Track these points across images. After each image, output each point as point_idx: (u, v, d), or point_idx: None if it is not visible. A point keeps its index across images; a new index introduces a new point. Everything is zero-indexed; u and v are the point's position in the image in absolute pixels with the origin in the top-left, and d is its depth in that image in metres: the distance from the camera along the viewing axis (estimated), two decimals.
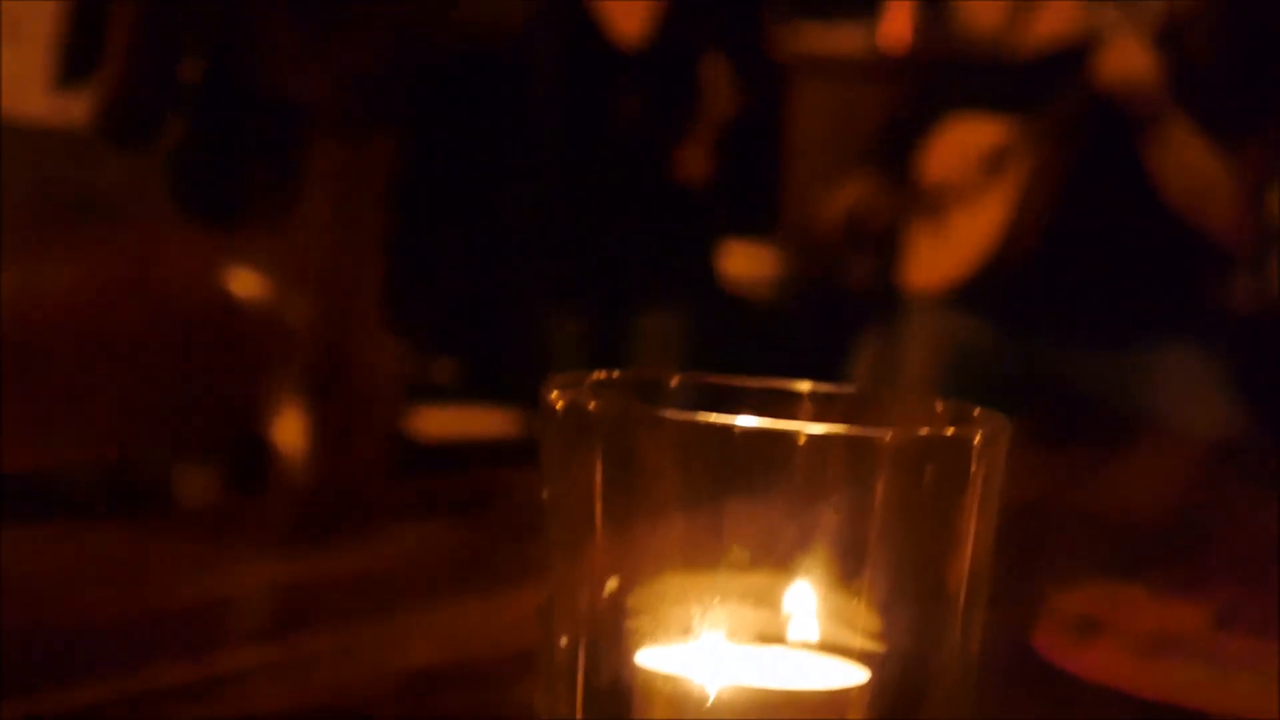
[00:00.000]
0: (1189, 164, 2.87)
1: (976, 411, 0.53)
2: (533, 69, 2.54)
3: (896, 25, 3.90)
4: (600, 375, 0.53)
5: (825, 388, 0.56)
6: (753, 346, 3.61)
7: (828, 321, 3.38)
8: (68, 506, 1.07)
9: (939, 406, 0.54)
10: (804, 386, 0.56)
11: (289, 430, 1.21)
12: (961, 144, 3.02)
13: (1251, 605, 1.05)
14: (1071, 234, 2.96)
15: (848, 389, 0.56)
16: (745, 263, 3.67)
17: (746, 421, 0.46)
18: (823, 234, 3.23)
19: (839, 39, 4.06)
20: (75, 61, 2.01)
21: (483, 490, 1.11)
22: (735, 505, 0.46)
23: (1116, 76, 2.80)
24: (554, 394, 0.49)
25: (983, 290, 2.98)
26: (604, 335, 3.28)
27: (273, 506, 1.06)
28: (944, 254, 3.06)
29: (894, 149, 3.08)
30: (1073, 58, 2.97)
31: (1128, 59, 2.80)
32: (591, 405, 0.48)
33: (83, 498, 1.14)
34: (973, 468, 0.49)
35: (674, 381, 0.55)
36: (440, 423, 2.89)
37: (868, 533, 0.47)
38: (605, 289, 3.26)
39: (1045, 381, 2.94)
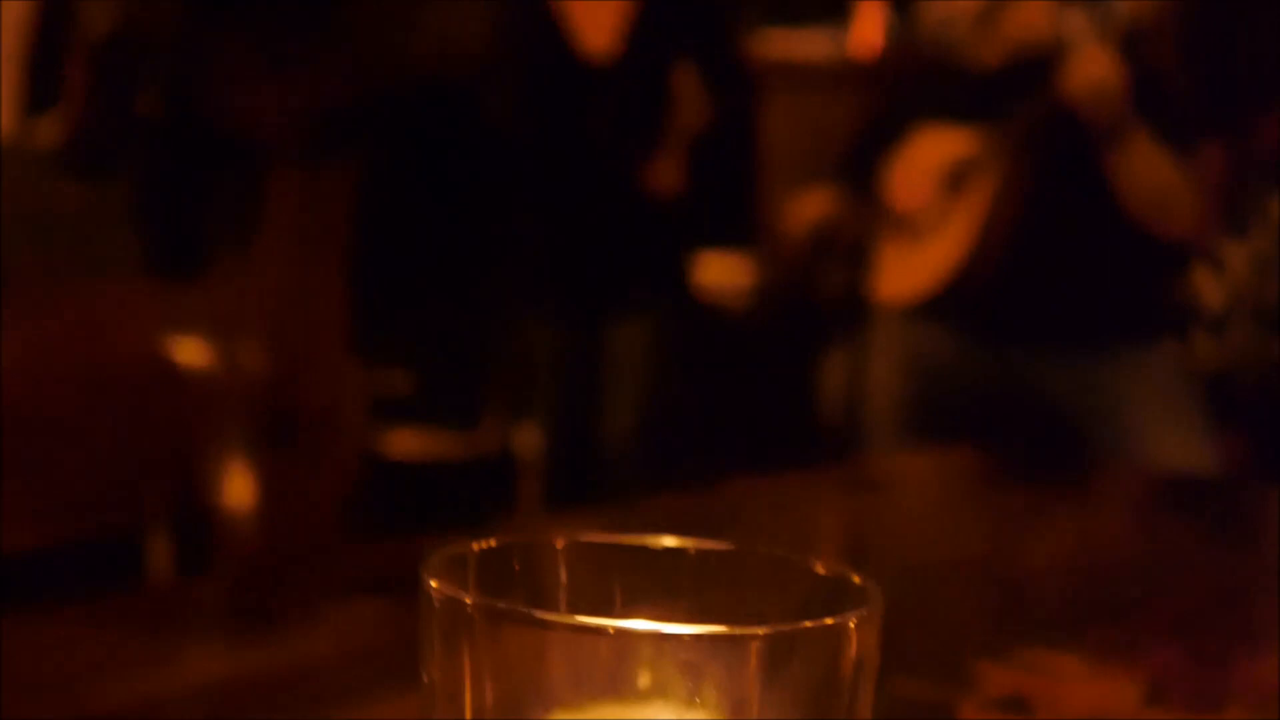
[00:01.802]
0: (1149, 174, 2.88)
1: (855, 579, 0.53)
2: (498, 85, 2.54)
3: (867, 31, 3.90)
4: (483, 545, 0.54)
5: (707, 546, 0.56)
6: (724, 357, 3.62)
7: (798, 332, 3.39)
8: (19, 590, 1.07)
9: (818, 568, 0.55)
10: (687, 545, 0.57)
11: (239, 492, 1.21)
12: (928, 155, 3.03)
13: (1186, 675, 1.06)
14: (1038, 244, 2.97)
15: (727, 548, 0.56)
16: (718, 273, 3.68)
17: (620, 624, 0.47)
18: (791, 245, 3.24)
19: (809, 45, 4.06)
20: (39, 93, 2.02)
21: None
22: (609, 703, 0.48)
23: (1081, 86, 2.81)
24: (431, 581, 0.50)
25: (950, 302, 2.99)
26: (576, 347, 3.29)
27: (216, 587, 1.06)
28: (912, 266, 3.07)
29: (861, 161, 3.09)
30: (1039, 67, 2.98)
31: (1092, 69, 2.81)
32: (467, 600, 0.49)
33: (33, 581, 1.14)
34: (849, 652, 0.50)
35: (559, 544, 0.56)
36: (405, 444, 2.90)
37: None
38: (576, 300, 3.27)
39: (1012, 393, 2.96)
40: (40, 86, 2.03)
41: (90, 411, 1.16)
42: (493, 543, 0.54)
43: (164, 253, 1.95)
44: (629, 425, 3.27)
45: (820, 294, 3.25)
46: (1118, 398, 2.89)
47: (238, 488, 1.19)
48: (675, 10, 3.27)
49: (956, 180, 2.98)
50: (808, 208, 3.17)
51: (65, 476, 1.13)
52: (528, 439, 3.53)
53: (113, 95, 1.88)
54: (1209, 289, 1.00)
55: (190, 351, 1.25)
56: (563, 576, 0.55)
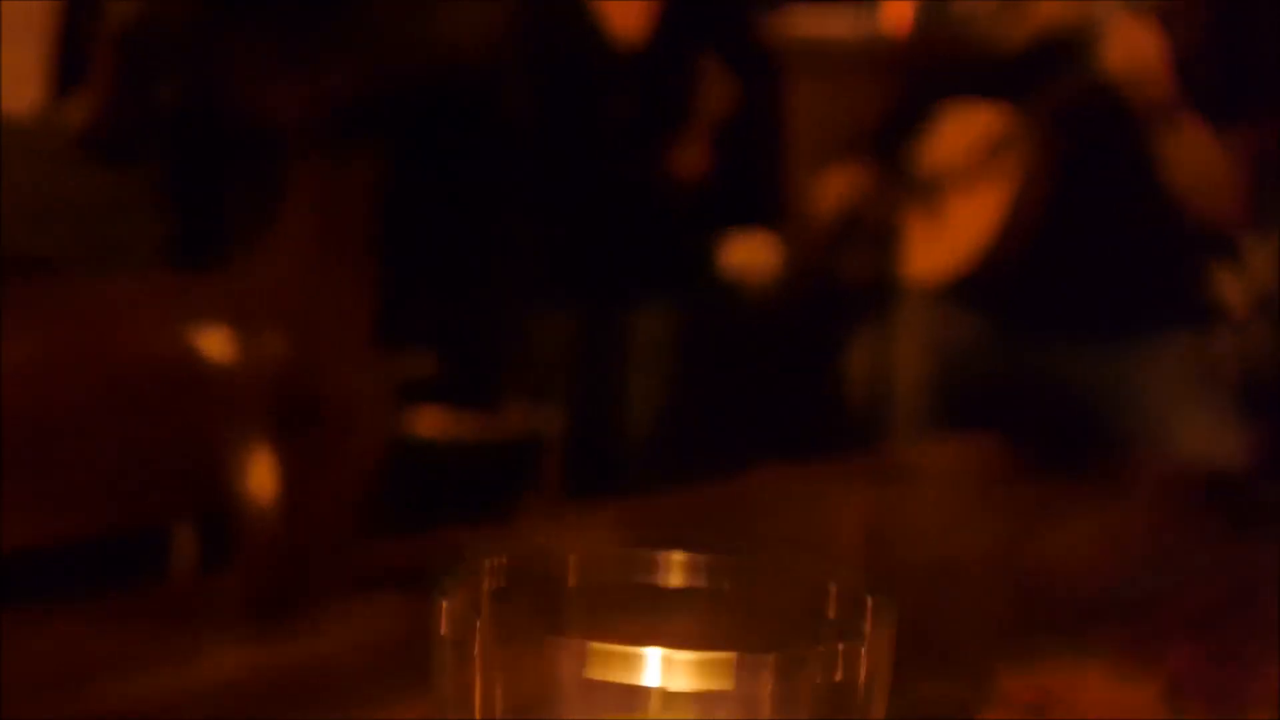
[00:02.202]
0: (1195, 154, 2.85)
1: (869, 596, 0.53)
2: (522, 71, 2.54)
3: (897, 9, 3.89)
4: (495, 561, 0.54)
5: (719, 562, 0.56)
6: (748, 341, 3.62)
7: (823, 316, 3.39)
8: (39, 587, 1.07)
9: (831, 585, 0.55)
10: (699, 560, 0.57)
11: (261, 484, 1.22)
12: (959, 133, 3.01)
13: (1205, 671, 1.06)
14: (1068, 227, 2.95)
15: (741, 562, 0.56)
16: (743, 255, 3.67)
17: (630, 650, 0.47)
18: (818, 225, 3.23)
19: (838, 23, 4.04)
20: (65, 76, 2.02)
21: (450, 553, 1.11)
22: None
23: (1124, 61, 2.77)
24: (443, 602, 0.50)
25: (976, 286, 2.98)
26: (599, 331, 3.29)
27: (236, 583, 1.07)
28: (941, 245, 3.05)
29: (890, 139, 3.08)
30: (1070, 47, 2.96)
31: (1136, 44, 2.77)
32: (478, 621, 0.49)
33: (56, 578, 1.15)
34: (861, 670, 0.50)
35: (572, 560, 0.56)
36: (427, 423, 2.91)
37: None
38: (600, 284, 3.27)
39: (1037, 379, 2.95)
40: (65, 69, 2.03)
41: (111, 405, 1.17)
42: (504, 560, 0.54)
43: (186, 240, 1.96)
44: (652, 409, 3.28)
45: (847, 276, 3.25)
46: (1142, 386, 2.88)
47: (259, 480, 1.20)
48: None
49: (989, 155, 2.96)
50: (835, 186, 3.15)
51: (86, 471, 1.13)
52: (550, 422, 3.53)
53: (137, 82, 1.89)
54: (1231, 289, 1.00)
55: (211, 343, 1.26)
56: (575, 593, 0.55)
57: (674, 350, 3.28)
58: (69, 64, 2.04)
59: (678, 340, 3.28)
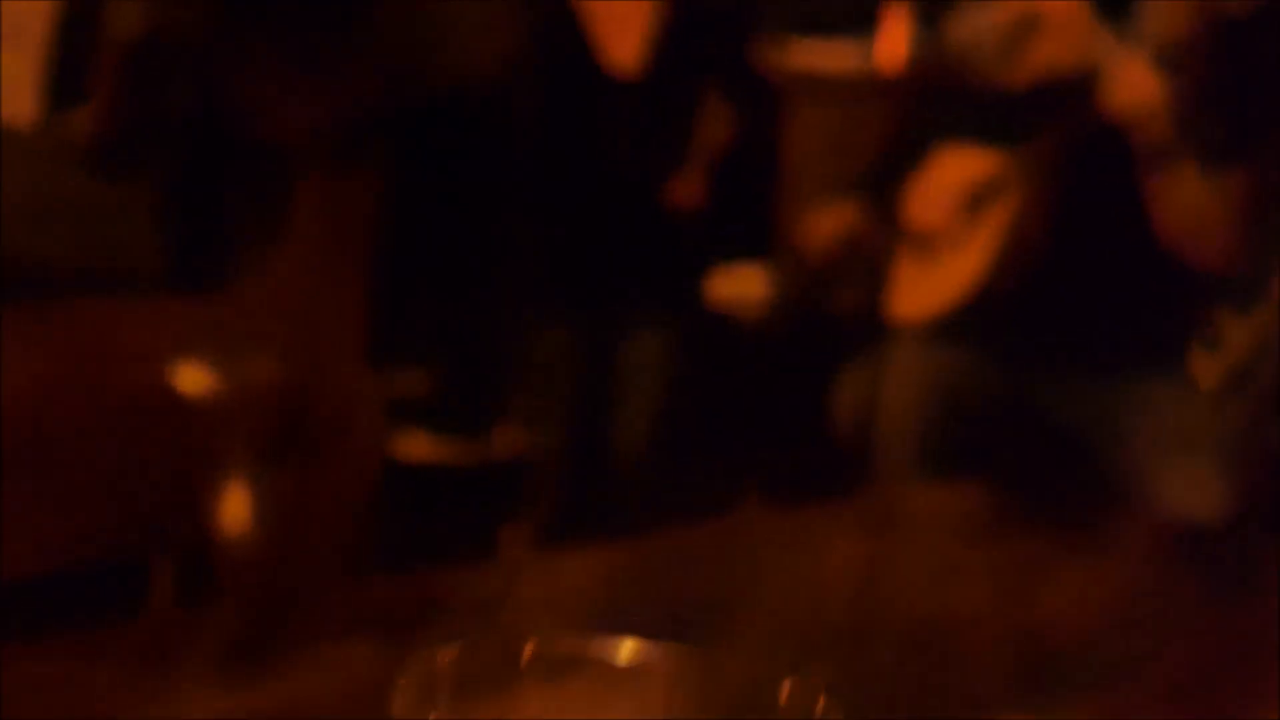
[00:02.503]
0: (1190, 199, 2.86)
1: (822, 697, 0.52)
2: (523, 96, 2.53)
3: (892, 44, 3.89)
4: (451, 655, 0.53)
5: (674, 660, 0.55)
6: (739, 372, 3.61)
7: (815, 349, 3.38)
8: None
9: (786, 686, 0.53)
10: (654, 656, 0.56)
11: (241, 517, 1.20)
12: (951, 175, 3.01)
13: None
14: (1060, 266, 2.95)
15: (695, 660, 0.55)
16: (736, 286, 3.67)
17: None
18: (812, 260, 3.23)
19: (835, 56, 4.04)
20: (64, 90, 2.01)
21: (437, 596, 1.10)
22: None
23: (1127, 103, 2.78)
24: (398, 699, 0.50)
25: (969, 324, 2.98)
26: (591, 358, 3.29)
27: (216, 620, 1.06)
28: (931, 285, 3.05)
29: (883, 178, 3.08)
30: (1068, 89, 2.96)
31: (1137, 86, 2.77)
32: (431, 716, 0.49)
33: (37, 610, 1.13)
34: None
35: (526, 654, 0.55)
36: (416, 447, 2.89)
37: None
38: (593, 311, 3.26)
39: (1028, 418, 2.94)
40: (66, 82, 2.02)
41: (93, 435, 1.16)
42: (456, 653, 0.53)
43: (186, 262, 1.95)
44: (642, 437, 3.27)
45: (839, 311, 3.24)
46: (1133, 427, 2.87)
47: (241, 513, 1.18)
48: (700, 27, 3.27)
49: (978, 201, 2.96)
50: (829, 222, 3.15)
51: (63, 501, 1.12)
52: (540, 447, 3.52)
53: (141, 97, 1.88)
54: (1204, 368, 0.99)
55: (196, 375, 1.25)
56: (529, 675, 0.54)
57: (665, 378, 3.27)
58: (68, 76, 2.03)
59: (669, 368, 3.28)
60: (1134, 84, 2.78)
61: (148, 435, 1.22)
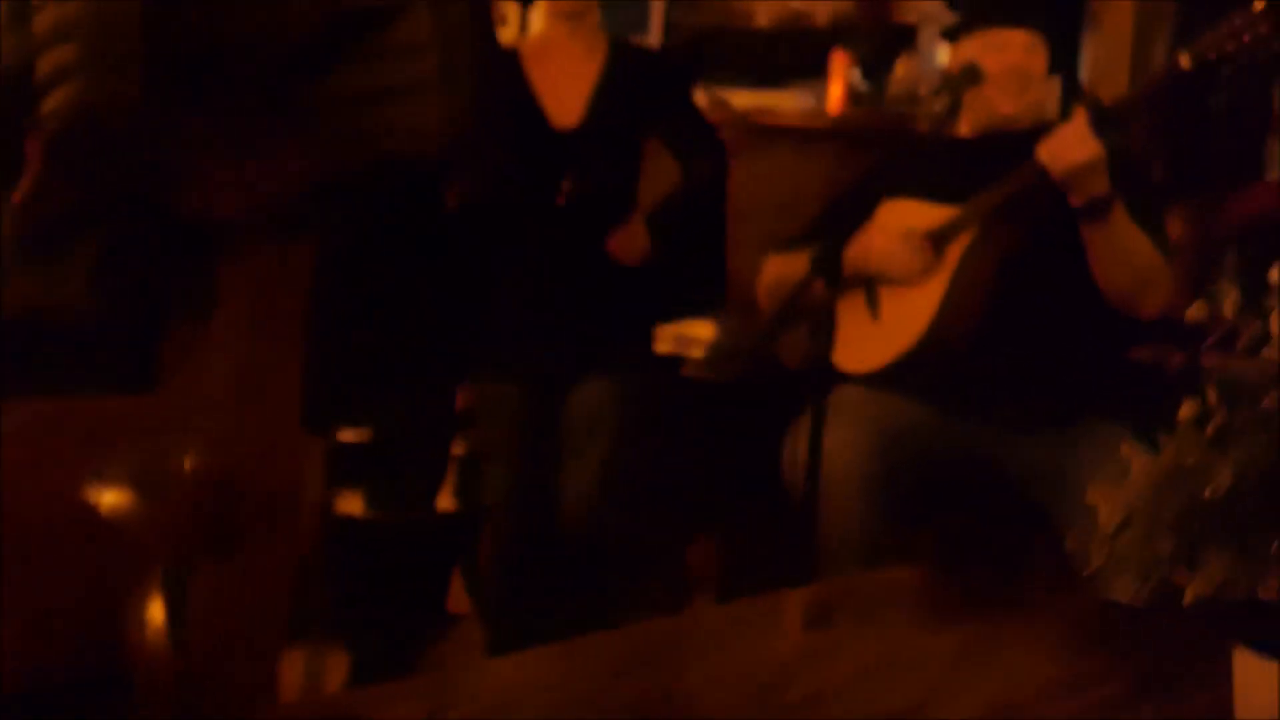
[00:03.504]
0: (1127, 253, 2.88)
1: None
2: (466, 158, 2.52)
3: (838, 93, 3.91)
4: None
5: None
6: (687, 423, 3.61)
7: (763, 399, 3.38)
8: None
9: None
10: None
11: (159, 638, 1.18)
12: (900, 225, 3.02)
13: None
14: (1007, 317, 2.96)
15: None
16: (684, 336, 3.67)
17: None
18: (760, 310, 3.23)
19: (785, 104, 4.06)
20: None
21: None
22: None
23: (1061, 163, 2.80)
24: None
25: (916, 373, 2.98)
26: (539, 411, 3.28)
27: None
28: (878, 336, 3.06)
29: (831, 229, 3.09)
30: (1010, 141, 2.98)
31: (1073, 145, 2.80)
32: None
33: None
34: None
35: None
36: (357, 503, 2.88)
37: None
38: (540, 364, 3.26)
39: (976, 467, 2.95)
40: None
41: (10, 557, 1.12)
42: None
43: (114, 356, 1.92)
44: (590, 488, 3.26)
45: (786, 361, 3.25)
46: (1080, 476, 2.88)
47: (162, 629, 1.15)
48: (638, 82, 3.28)
49: (931, 248, 2.97)
50: (775, 273, 3.16)
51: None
52: (487, 501, 3.51)
53: (72, 177, 1.86)
54: (1105, 501, 0.98)
55: (115, 488, 1.22)
56: None
57: (614, 429, 3.26)
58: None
59: (618, 419, 3.27)
60: (1071, 145, 2.80)
61: (61, 553, 1.19)
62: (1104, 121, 2.83)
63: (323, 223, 2.01)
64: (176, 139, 1.85)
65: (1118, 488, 1.09)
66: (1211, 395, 1.11)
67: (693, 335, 3.70)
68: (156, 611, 1.13)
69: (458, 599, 3.62)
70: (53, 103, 1.79)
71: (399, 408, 2.74)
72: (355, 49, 1.89)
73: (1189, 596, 1.03)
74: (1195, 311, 1.32)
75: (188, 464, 1.34)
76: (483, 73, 2.22)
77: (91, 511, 1.18)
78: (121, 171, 1.81)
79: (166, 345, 1.91)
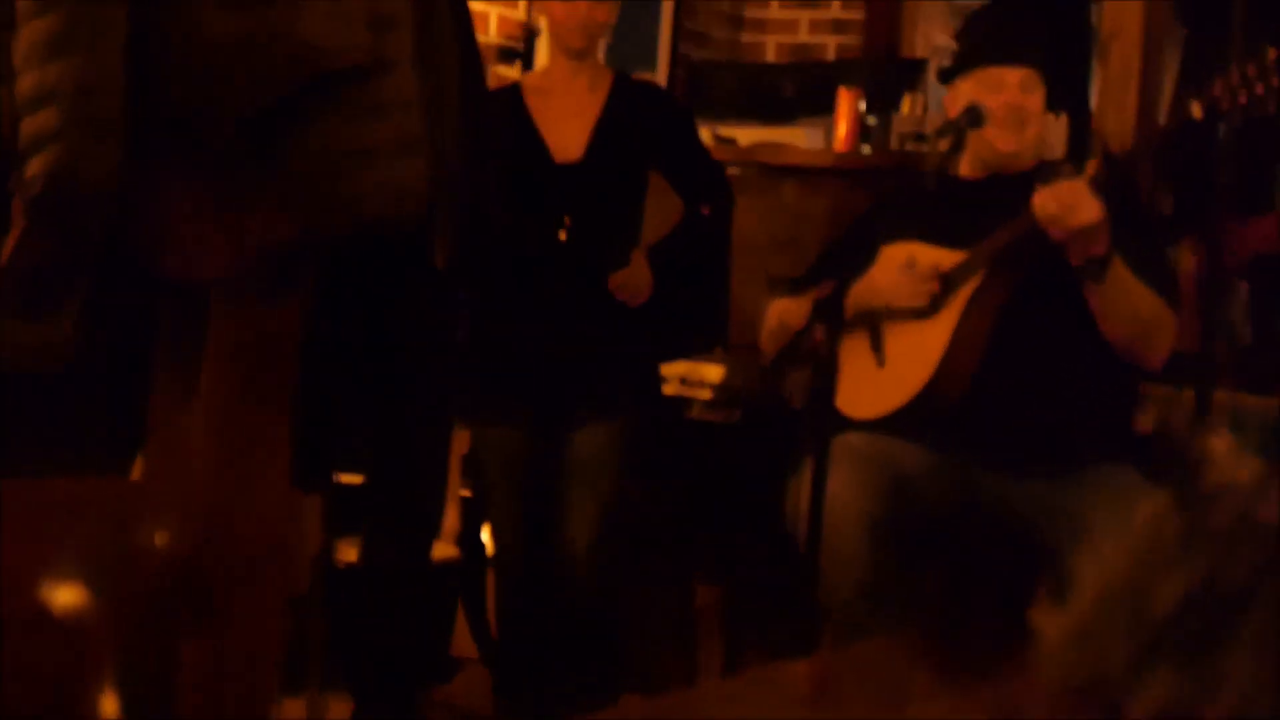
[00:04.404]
0: (1128, 305, 2.86)
1: None
2: (452, 215, 2.52)
3: (845, 132, 3.89)
4: None
5: None
6: (691, 465, 3.59)
7: (767, 441, 3.36)
8: None
9: None
10: None
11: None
12: (904, 269, 3.00)
13: None
14: (1012, 360, 2.94)
15: None
16: (690, 379, 3.66)
17: None
18: (764, 351, 3.22)
19: (795, 140, 4.04)
20: None
21: None
22: None
23: (1062, 225, 2.79)
24: None
25: (921, 417, 2.96)
26: (539, 452, 3.26)
27: None
28: (883, 381, 3.04)
29: (833, 271, 3.06)
30: (1017, 182, 2.96)
31: (1075, 208, 2.78)
32: None
33: None
34: None
35: None
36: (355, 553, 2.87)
37: None
38: (542, 405, 3.24)
39: (981, 510, 2.92)
40: None
41: None
42: None
43: (99, 425, 1.92)
44: (590, 535, 3.24)
45: (794, 403, 3.23)
46: (1087, 519, 2.85)
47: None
48: (641, 117, 3.27)
49: (935, 291, 2.95)
50: (778, 317, 3.14)
51: None
52: (487, 545, 3.50)
53: (51, 240, 1.85)
54: (1049, 623, 0.96)
55: (68, 595, 1.20)
56: None
57: (613, 473, 3.25)
58: None
59: (617, 463, 3.25)
60: (1071, 207, 2.79)
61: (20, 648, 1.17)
62: (1107, 181, 2.81)
63: (309, 280, 2.00)
64: (157, 201, 1.84)
65: (1060, 610, 1.07)
66: (1167, 502, 1.09)
67: (699, 377, 3.68)
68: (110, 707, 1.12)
69: (464, 643, 3.61)
70: (35, 167, 1.78)
71: (390, 455, 2.73)
72: (336, 109, 1.89)
73: (1134, 716, 1.00)
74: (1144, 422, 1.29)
75: (159, 542, 1.33)
76: (472, 127, 2.21)
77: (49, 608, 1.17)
78: (103, 233, 1.80)
79: (152, 407, 1.90)
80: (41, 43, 1.78)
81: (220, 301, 1.93)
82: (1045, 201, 2.79)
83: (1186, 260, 3.73)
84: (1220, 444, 1.03)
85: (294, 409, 2.00)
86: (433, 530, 3.08)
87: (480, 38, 4.04)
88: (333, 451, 2.36)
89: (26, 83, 1.80)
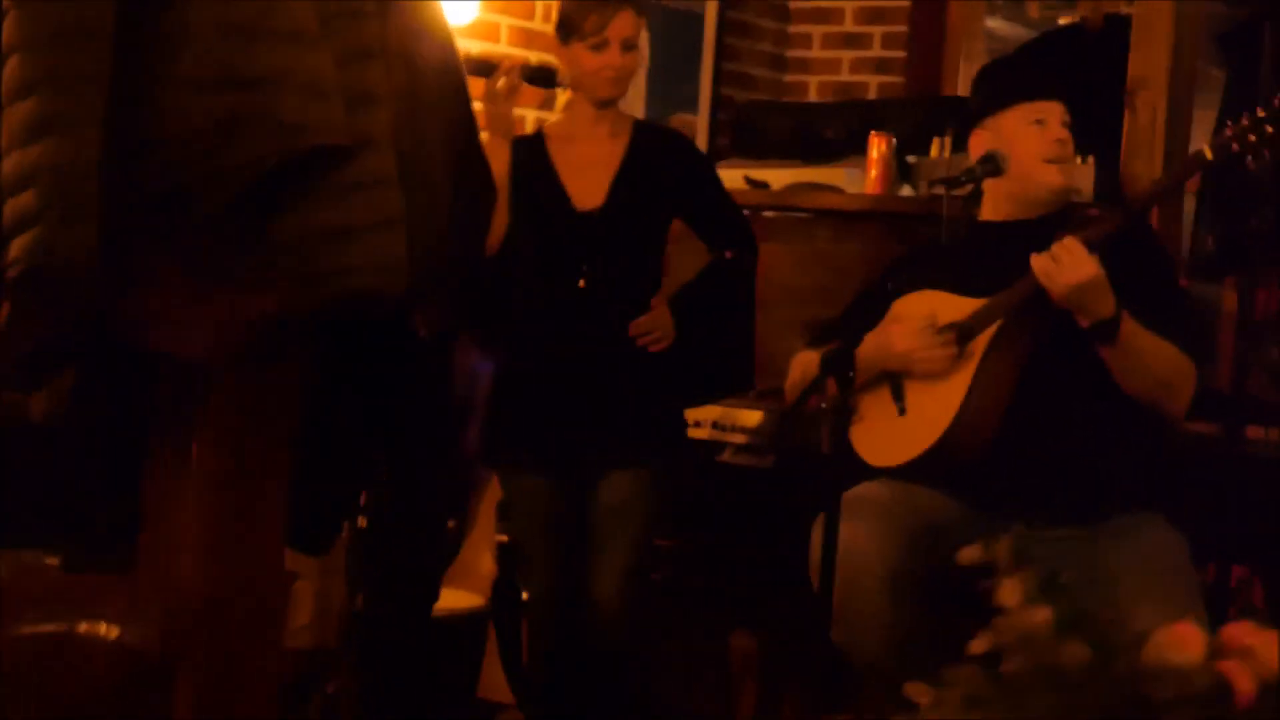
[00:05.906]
0: (1144, 360, 2.84)
1: None
2: (436, 287, 2.55)
3: (876, 172, 3.88)
4: None
5: None
6: (718, 511, 3.59)
7: (791, 488, 3.36)
8: None
9: None
10: None
11: None
12: (921, 316, 2.99)
13: None
14: (1033, 408, 2.92)
15: None
16: (723, 423, 3.67)
17: None
18: (788, 399, 3.22)
19: (834, 180, 4.03)
20: None
21: None
22: None
23: (1060, 285, 2.78)
24: None
25: (941, 467, 2.95)
26: (568, 501, 3.28)
27: None
28: (904, 430, 3.03)
29: (855, 323, 3.06)
30: (1039, 227, 2.94)
31: (1070, 268, 2.78)
32: None
33: None
34: None
35: None
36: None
37: None
38: (567, 454, 3.26)
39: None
40: None
41: None
42: None
43: (92, 536, 1.96)
44: (618, 583, 3.25)
45: (819, 451, 3.22)
46: (1111, 568, 2.82)
47: None
48: (663, 165, 3.28)
49: (954, 342, 2.94)
50: (800, 368, 3.14)
51: None
52: (518, 590, 3.52)
53: (34, 319, 1.89)
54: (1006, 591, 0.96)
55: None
56: None
57: (640, 520, 3.25)
58: None
59: (646, 509, 3.26)
60: (1066, 267, 2.78)
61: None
62: (1125, 232, 2.81)
63: (301, 353, 2.03)
64: (141, 280, 1.87)
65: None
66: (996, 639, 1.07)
67: (734, 422, 3.68)
68: None
69: (500, 689, 3.63)
70: (16, 249, 1.82)
71: (388, 510, 2.76)
72: (316, 187, 1.91)
73: None
74: (970, 554, 1.28)
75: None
76: (461, 198, 2.23)
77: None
78: (87, 313, 1.84)
79: (146, 480, 1.94)
80: (22, 124, 1.81)
81: (211, 376, 1.96)
82: (1042, 261, 2.80)
83: (1229, 300, 3.69)
84: (1013, 588, 1.01)
85: (291, 477, 2.03)
86: (430, 583, 3.11)
87: (491, 46, 4.09)
88: (335, 513, 2.39)
89: (10, 163, 1.84)
